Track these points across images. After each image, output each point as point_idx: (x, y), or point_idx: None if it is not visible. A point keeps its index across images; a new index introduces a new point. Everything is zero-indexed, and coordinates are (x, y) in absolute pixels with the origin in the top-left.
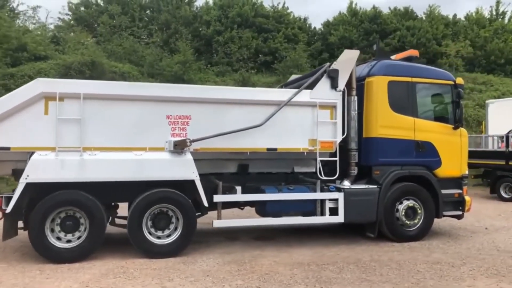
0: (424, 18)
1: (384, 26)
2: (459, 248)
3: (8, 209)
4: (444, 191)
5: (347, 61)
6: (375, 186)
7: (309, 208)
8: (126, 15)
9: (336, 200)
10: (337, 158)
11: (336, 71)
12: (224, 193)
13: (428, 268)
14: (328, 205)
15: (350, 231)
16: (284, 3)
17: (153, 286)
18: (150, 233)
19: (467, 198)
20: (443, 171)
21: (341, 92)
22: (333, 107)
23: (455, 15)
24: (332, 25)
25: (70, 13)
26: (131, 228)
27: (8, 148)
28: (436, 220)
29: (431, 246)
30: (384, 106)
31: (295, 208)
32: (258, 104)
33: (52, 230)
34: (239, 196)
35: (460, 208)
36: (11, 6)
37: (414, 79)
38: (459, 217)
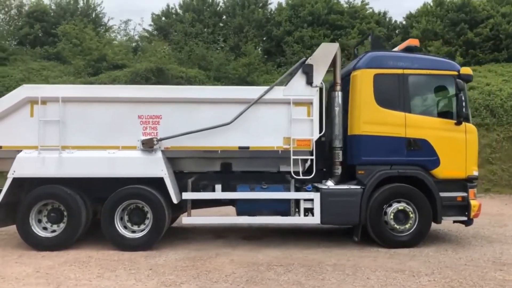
0: None
1: (474, 14)
2: (450, 257)
3: None
4: (444, 194)
5: (323, 56)
6: (358, 187)
7: (283, 207)
8: (201, 23)
9: (312, 200)
10: (314, 157)
11: (310, 67)
12: (198, 190)
13: (383, 276)
14: (304, 205)
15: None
16: None
17: (93, 274)
18: (125, 227)
19: (473, 202)
20: (442, 172)
21: (317, 88)
22: (309, 103)
23: None
24: (414, 18)
25: (152, 23)
26: (103, 222)
27: (0, 147)
28: (457, 225)
29: (419, 254)
30: (368, 101)
31: (268, 207)
32: (230, 103)
33: (40, 221)
34: (208, 194)
35: (466, 213)
36: (103, 21)
37: (407, 71)
38: (466, 223)
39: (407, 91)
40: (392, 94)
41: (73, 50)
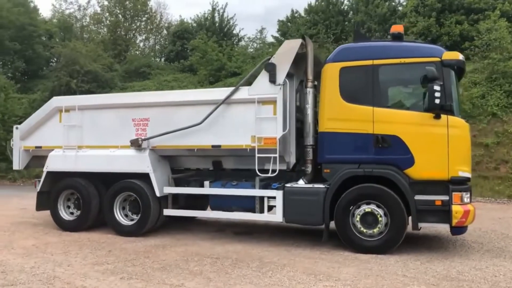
0: None
1: None
2: (406, 267)
3: (37, 189)
4: (419, 197)
5: (286, 53)
6: (322, 186)
7: (250, 204)
8: (323, 23)
9: (275, 198)
10: (277, 155)
11: (272, 65)
12: (183, 186)
13: (287, 277)
14: (268, 203)
15: None
16: None
17: (61, 251)
18: (126, 216)
19: (456, 207)
20: (418, 172)
21: (280, 86)
22: (274, 102)
23: None
24: None
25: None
26: (105, 210)
27: (40, 147)
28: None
29: (374, 260)
30: (333, 97)
31: (236, 204)
32: (204, 104)
33: (68, 207)
34: (183, 189)
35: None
36: (234, 33)
37: (377, 62)
38: (453, 231)
39: (377, 83)
40: (359, 88)
41: (200, 62)
